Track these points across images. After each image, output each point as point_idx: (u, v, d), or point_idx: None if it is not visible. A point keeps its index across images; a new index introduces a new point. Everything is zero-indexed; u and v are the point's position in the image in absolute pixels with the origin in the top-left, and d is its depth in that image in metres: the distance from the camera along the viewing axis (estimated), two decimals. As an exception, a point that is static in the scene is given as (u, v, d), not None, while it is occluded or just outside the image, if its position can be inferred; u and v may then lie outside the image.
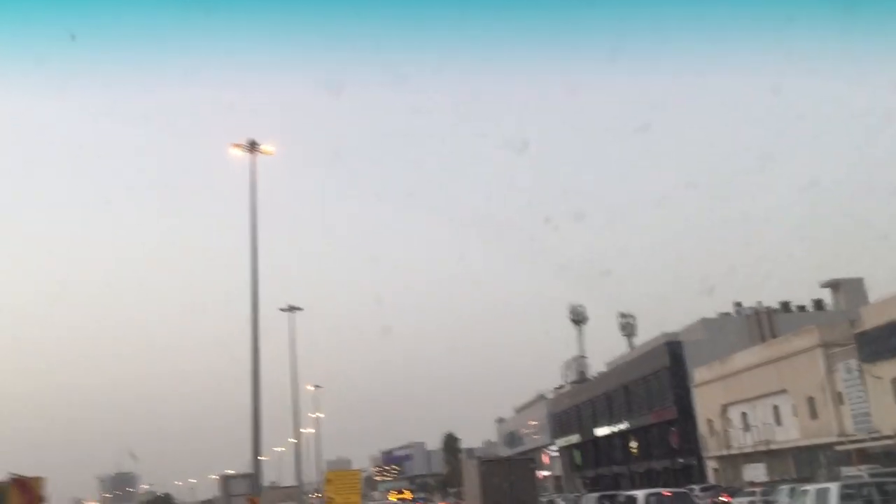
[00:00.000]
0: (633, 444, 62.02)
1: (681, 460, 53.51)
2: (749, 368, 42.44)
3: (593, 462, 72.07)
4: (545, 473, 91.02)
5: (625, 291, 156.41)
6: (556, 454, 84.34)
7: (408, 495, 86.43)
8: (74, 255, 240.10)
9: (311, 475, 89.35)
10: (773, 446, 40.41)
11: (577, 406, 75.39)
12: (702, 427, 48.37)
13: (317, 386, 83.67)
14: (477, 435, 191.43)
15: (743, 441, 43.55)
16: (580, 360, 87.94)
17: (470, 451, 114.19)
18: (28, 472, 20.00)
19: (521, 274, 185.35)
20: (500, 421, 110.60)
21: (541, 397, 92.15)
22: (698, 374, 48.67)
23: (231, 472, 53.38)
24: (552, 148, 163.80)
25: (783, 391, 39.63)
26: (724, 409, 45.60)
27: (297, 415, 60.66)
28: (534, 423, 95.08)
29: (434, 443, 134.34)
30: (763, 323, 52.65)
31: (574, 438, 75.76)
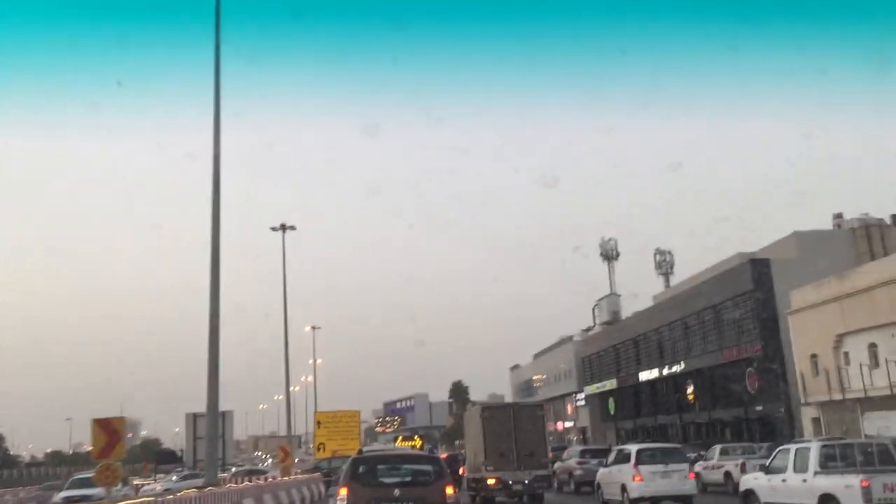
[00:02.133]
0: (690, 390, 51.90)
1: (759, 408, 43.29)
2: (884, 284, 31.78)
3: (633, 411, 62.09)
4: (567, 424, 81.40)
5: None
6: (583, 403, 74.44)
7: (418, 443, 76.80)
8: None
9: (309, 425, 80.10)
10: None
11: (614, 347, 65.09)
12: (800, 365, 37.92)
13: (314, 327, 73.68)
14: (491, 387, 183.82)
15: (868, 382, 33.09)
16: (613, 299, 77.56)
17: (475, 403, 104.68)
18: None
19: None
20: (515, 368, 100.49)
21: (565, 340, 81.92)
22: (798, 297, 38.06)
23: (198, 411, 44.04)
24: (583, 185, 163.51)
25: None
26: (840, 340, 35.08)
27: (287, 351, 50.12)
28: (545, 373, 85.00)
29: (441, 396, 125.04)
30: (874, 238, 41.94)
31: (609, 384, 65.67)
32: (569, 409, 79.66)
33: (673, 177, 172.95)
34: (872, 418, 33.13)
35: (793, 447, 14.43)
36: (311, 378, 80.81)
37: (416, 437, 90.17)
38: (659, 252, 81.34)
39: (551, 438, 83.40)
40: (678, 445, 25.95)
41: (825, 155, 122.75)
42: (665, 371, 54.15)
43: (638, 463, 18.87)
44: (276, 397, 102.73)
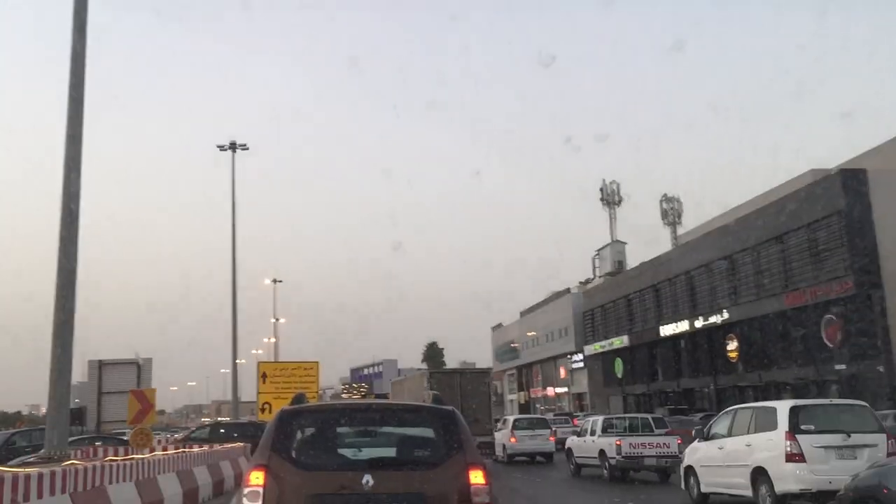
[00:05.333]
0: (732, 346, 41.85)
1: (840, 366, 33.26)
2: None
3: (647, 374, 52.15)
4: (559, 390, 71.56)
5: (642, 215, 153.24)
6: (581, 365, 64.49)
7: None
8: None
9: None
10: None
11: (626, 298, 54.88)
12: (922, 305, 27.89)
13: (276, 280, 62.52)
14: (470, 349, 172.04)
15: None
16: (617, 246, 67.41)
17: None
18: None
19: (538, 194, 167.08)
20: (497, 328, 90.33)
21: (560, 294, 71.66)
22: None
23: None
24: (579, 65, 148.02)
25: None
26: None
27: (235, 301, 39.12)
28: (535, 332, 74.79)
29: (414, 362, 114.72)
30: None
31: (617, 342, 55.60)
32: (562, 372, 69.76)
33: (672, 60, 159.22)
34: None
35: (590, 419, 21.16)
36: (272, 339, 70.62)
37: (388, 395, 79.00)
38: (665, 199, 71.31)
39: (540, 406, 73.78)
40: (544, 416, 34.43)
41: (837, 42, 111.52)
42: (698, 323, 44.05)
43: (514, 428, 26.30)
44: (240, 361, 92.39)
